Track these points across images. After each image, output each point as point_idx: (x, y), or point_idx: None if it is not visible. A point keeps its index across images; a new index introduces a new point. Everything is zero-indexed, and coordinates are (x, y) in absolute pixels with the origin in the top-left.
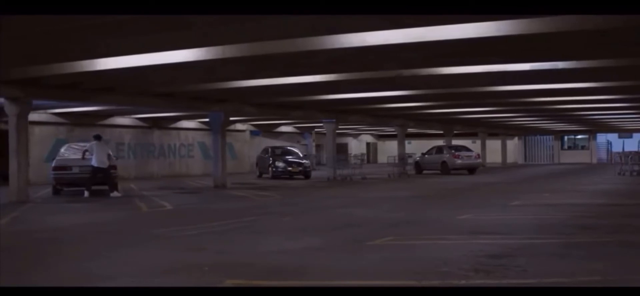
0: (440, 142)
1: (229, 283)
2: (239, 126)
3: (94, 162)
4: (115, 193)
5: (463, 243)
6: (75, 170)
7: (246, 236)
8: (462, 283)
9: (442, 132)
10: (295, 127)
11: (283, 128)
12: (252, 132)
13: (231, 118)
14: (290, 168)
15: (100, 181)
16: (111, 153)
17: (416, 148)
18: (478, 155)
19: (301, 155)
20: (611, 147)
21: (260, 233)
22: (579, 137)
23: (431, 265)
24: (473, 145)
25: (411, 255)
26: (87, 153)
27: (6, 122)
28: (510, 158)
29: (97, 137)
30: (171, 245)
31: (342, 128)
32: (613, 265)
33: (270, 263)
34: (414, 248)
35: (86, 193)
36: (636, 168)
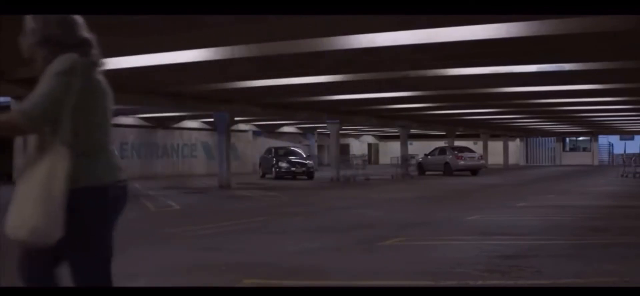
0: (441, 143)
1: (247, 282)
2: (242, 126)
3: None
4: None
5: (475, 244)
6: None
7: (259, 236)
8: (479, 283)
9: (444, 133)
10: (297, 128)
11: (285, 129)
12: (254, 132)
13: (236, 119)
14: (293, 169)
15: None
16: None
17: (418, 149)
18: (481, 156)
19: (304, 156)
20: (613, 149)
21: (273, 233)
22: (581, 138)
23: (445, 265)
24: (475, 146)
25: (424, 255)
26: None
27: None
28: (511, 160)
29: None
30: (185, 244)
31: (345, 129)
32: (627, 267)
33: (286, 262)
34: (426, 249)
35: None
36: (639, 170)
